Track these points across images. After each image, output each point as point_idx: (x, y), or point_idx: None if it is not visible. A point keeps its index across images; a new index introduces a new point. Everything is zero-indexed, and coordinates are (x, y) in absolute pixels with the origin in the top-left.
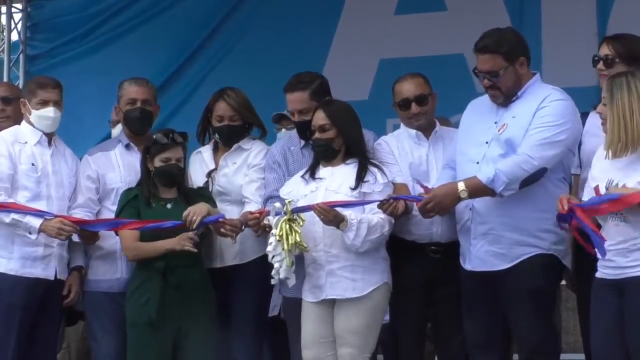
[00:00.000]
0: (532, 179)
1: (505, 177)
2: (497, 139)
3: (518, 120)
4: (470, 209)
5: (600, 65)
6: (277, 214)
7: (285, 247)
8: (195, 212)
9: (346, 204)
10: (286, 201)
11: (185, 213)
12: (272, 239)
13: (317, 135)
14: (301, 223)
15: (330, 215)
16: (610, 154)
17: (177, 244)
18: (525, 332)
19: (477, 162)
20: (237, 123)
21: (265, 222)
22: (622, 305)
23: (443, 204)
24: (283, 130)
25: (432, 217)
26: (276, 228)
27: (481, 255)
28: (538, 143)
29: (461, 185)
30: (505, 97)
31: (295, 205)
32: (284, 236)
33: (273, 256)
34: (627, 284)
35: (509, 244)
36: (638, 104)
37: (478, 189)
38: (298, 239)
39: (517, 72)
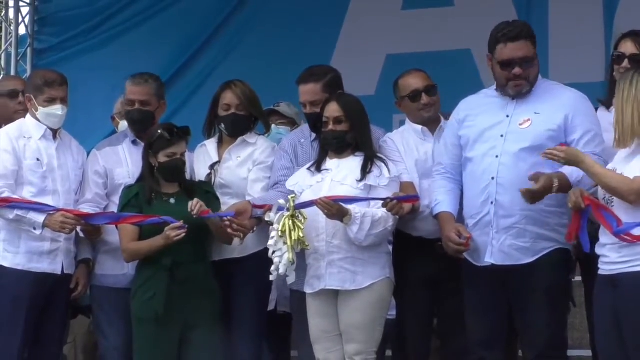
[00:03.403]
0: None
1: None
2: (517, 133)
3: (544, 117)
4: (492, 202)
5: (626, 63)
6: (279, 209)
7: (289, 242)
8: (201, 204)
9: (349, 199)
10: (289, 197)
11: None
12: (274, 234)
13: (331, 127)
14: (303, 220)
15: (334, 209)
16: (615, 142)
17: (165, 239)
18: (541, 327)
19: (497, 156)
20: (243, 113)
21: (267, 218)
22: (615, 299)
23: (539, 198)
24: (273, 125)
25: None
26: (278, 223)
27: (505, 249)
28: (601, 149)
29: (556, 181)
30: (530, 86)
31: (299, 201)
32: (287, 232)
33: (274, 252)
34: (619, 280)
35: (533, 238)
36: (634, 99)
37: (565, 187)
38: (301, 235)
39: (538, 60)
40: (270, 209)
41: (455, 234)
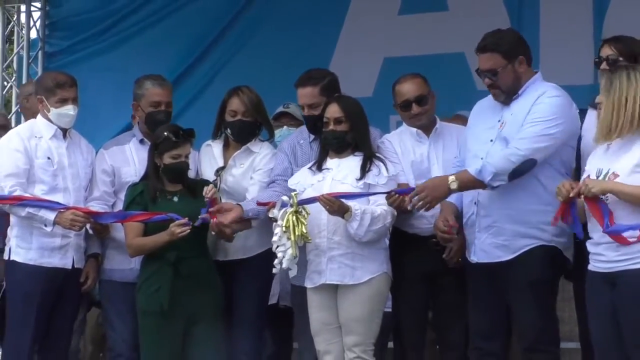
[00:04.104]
0: (522, 171)
1: (493, 168)
2: (499, 136)
3: (515, 117)
4: (475, 202)
5: (604, 65)
6: (283, 205)
7: (292, 237)
8: (215, 190)
9: (351, 196)
10: (292, 194)
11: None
12: (277, 230)
13: (331, 127)
14: (306, 216)
15: (335, 205)
16: (598, 136)
17: (170, 235)
18: (527, 322)
19: (481, 158)
20: (249, 119)
21: (270, 215)
22: (614, 297)
23: (434, 195)
24: (285, 127)
25: (423, 209)
26: (282, 219)
27: (485, 247)
28: (526, 136)
29: (452, 177)
30: (506, 95)
31: (301, 197)
32: (291, 227)
33: (277, 246)
34: (617, 277)
35: (512, 236)
36: (634, 93)
37: (467, 181)
38: (304, 231)
39: (516, 71)
40: (274, 206)
41: (442, 222)
